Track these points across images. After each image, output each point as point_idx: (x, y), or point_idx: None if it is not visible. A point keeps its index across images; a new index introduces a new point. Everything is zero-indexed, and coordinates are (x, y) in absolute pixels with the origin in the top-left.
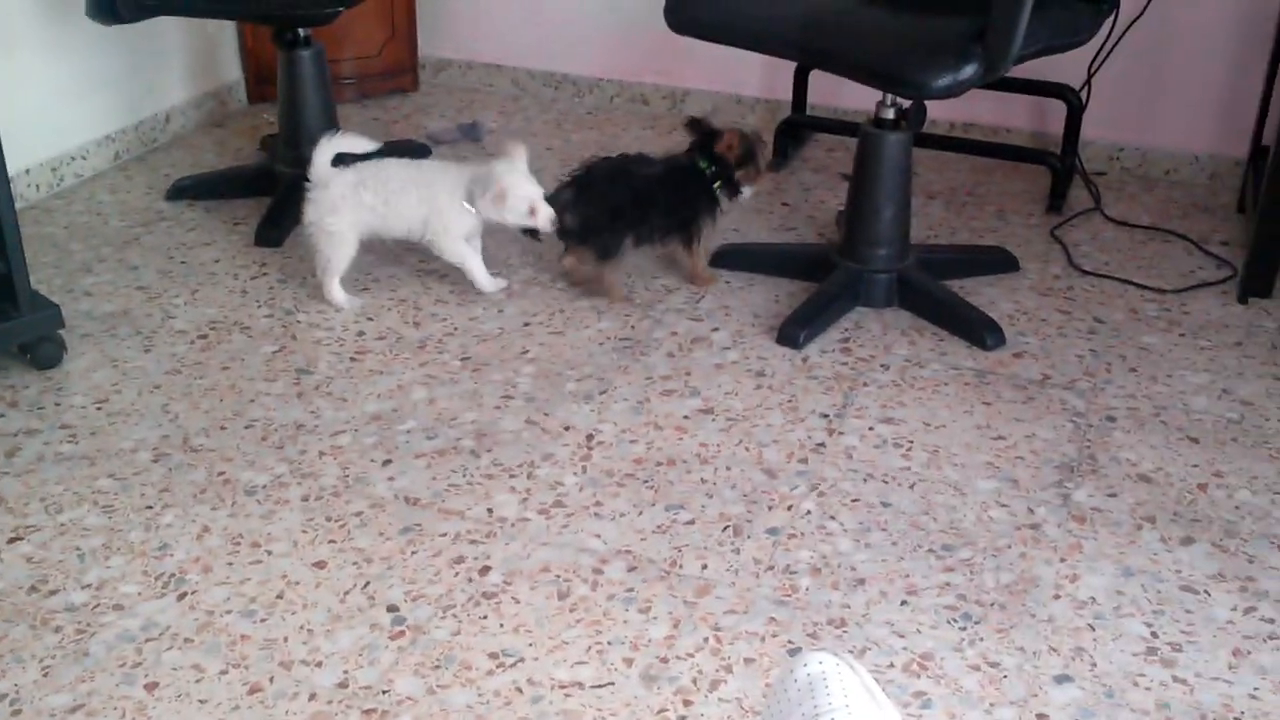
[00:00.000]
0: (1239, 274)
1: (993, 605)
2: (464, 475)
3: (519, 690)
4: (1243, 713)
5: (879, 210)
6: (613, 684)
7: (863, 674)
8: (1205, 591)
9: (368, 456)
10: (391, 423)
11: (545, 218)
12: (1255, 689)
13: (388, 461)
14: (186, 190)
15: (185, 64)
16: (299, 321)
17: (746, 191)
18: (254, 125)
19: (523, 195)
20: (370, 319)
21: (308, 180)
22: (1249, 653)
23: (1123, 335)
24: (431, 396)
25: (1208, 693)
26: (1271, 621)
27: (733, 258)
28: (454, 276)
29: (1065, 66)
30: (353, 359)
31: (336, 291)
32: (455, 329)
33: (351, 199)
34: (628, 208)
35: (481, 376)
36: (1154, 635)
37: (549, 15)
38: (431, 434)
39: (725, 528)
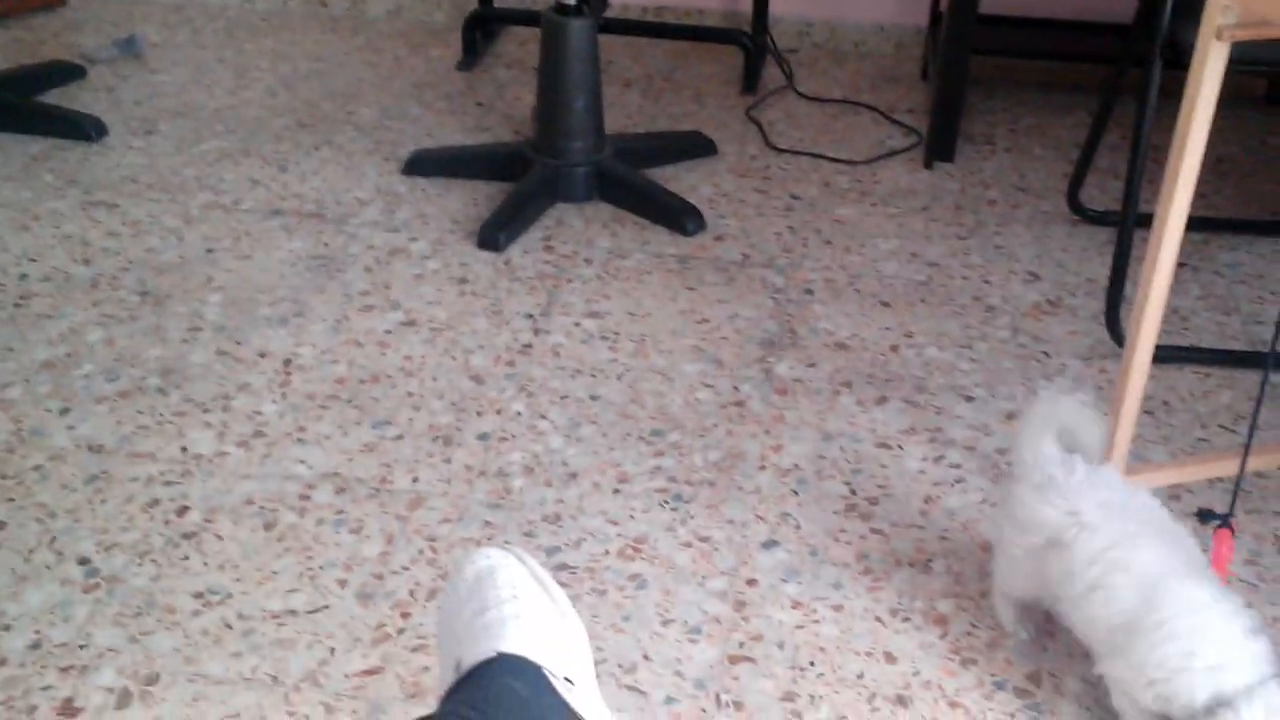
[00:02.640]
0: (923, 141)
1: (702, 483)
2: (152, 415)
3: (228, 626)
4: (934, 554)
5: (570, 102)
6: (328, 607)
7: (532, 564)
8: (899, 446)
9: (42, 406)
10: (67, 369)
11: None
12: (945, 530)
13: (65, 410)
14: None
15: None
16: None
17: None
18: None
19: None
20: (33, 259)
21: None
22: (938, 498)
23: (818, 209)
24: (109, 336)
25: (902, 540)
26: (958, 467)
27: (426, 163)
28: (124, 207)
29: None
30: (16, 305)
31: None
32: (130, 262)
33: None
34: None
35: (164, 310)
36: (853, 493)
37: None
38: (112, 376)
39: (435, 439)
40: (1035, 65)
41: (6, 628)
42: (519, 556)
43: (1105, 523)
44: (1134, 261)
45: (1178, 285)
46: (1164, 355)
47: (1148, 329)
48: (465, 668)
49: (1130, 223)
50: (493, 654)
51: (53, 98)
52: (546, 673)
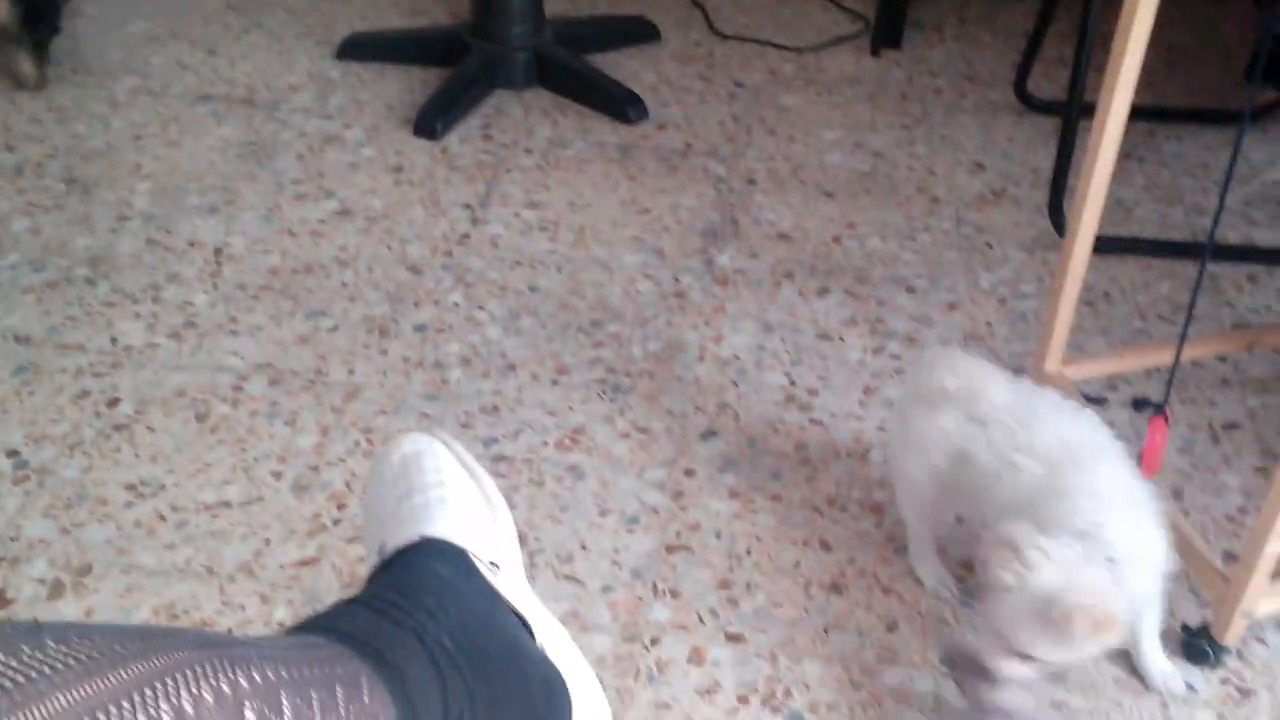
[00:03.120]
0: (870, 27)
1: (641, 375)
2: (81, 306)
3: (161, 518)
4: (872, 444)
5: None
6: (262, 499)
7: (458, 450)
8: (840, 337)
9: None
10: None
11: None
12: (883, 420)
13: None
14: None
15: None
16: None
17: None
18: None
19: None
20: None
21: None
22: (877, 389)
23: (762, 97)
24: (35, 226)
25: (841, 430)
26: (898, 357)
27: (361, 48)
28: (49, 90)
29: None
30: None
31: None
32: (55, 150)
33: None
34: None
35: (91, 198)
36: (792, 384)
37: None
38: (39, 266)
39: (371, 330)
40: None
41: None
42: (445, 442)
43: (1006, 415)
44: (1079, 151)
45: (1122, 176)
46: (1105, 246)
47: (1089, 219)
48: (389, 551)
49: (1075, 112)
50: (416, 538)
51: None
52: (471, 557)
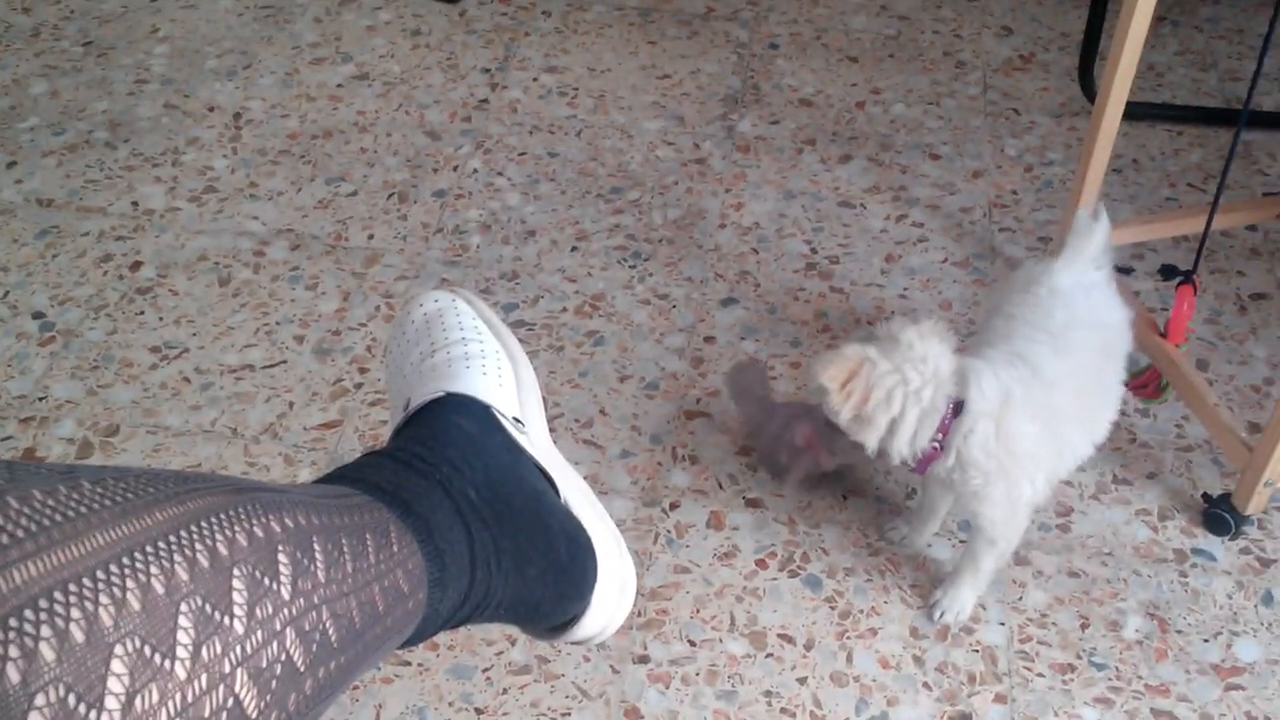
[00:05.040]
0: None
1: (661, 241)
2: (101, 169)
3: (186, 380)
4: (893, 311)
5: None
6: (285, 362)
7: (481, 306)
8: (861, 205)
9: None
10: (11, 121)
11: None
12: (905, 289)
13: (12, 164)
14: None
15: None
16: None
17: None
18: None
19: None
20: None
21: None
22: (900, 257)
23: None
24: (54, 88)
25: (861, 298)
26: (921, 225)
27: None
28: None
29: None
30: None
31: None
32: (72, 11)
33: None
34: None
35: (109, 61)
36: (813, 251)
37: None
38: (59, 129)
39: (390, 195)
40: None
41: None
42: (468, 299)
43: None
44: (1111, 15)
45: (1155, 40)
46: (1136, 112)
47: (1120, 84)
48: (414, 407)
49: None
50: (440, 393)
51: None
52: (495, 412)
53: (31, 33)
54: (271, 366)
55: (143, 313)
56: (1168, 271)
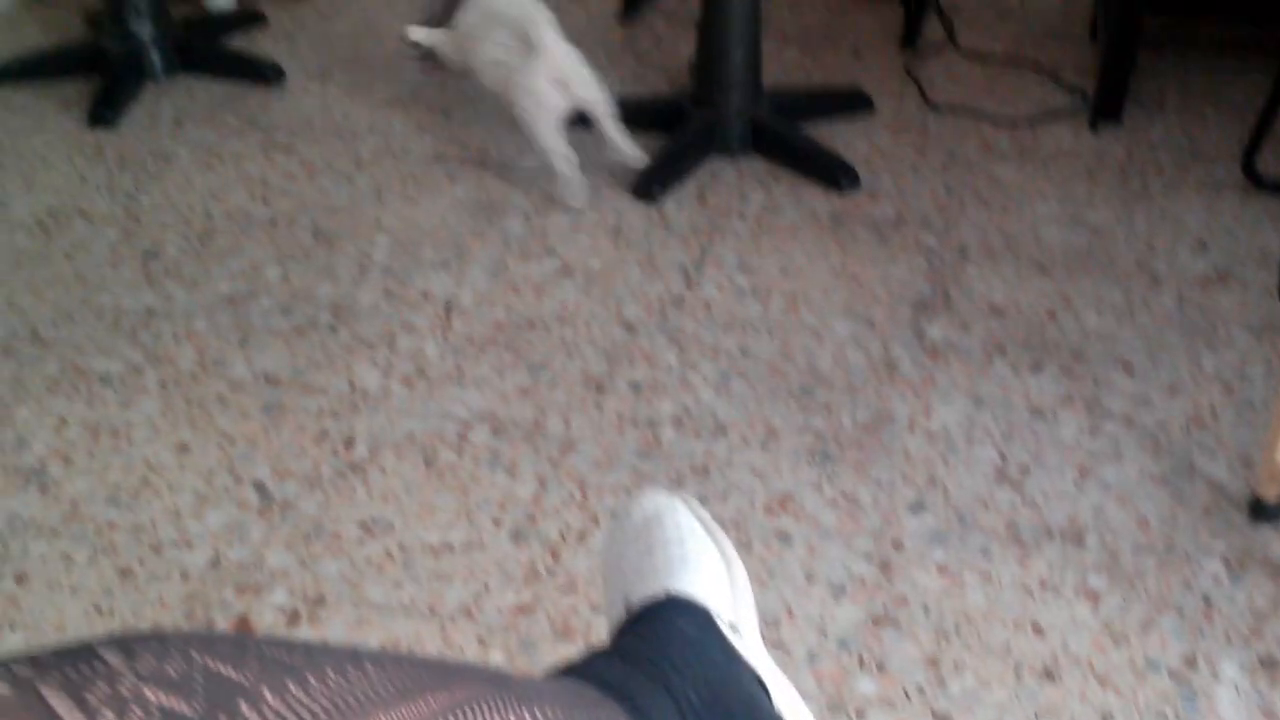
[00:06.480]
0: (1089, 101)
1: (850, 443)
2: (323, 350)
3: (390, 556)
4: (1087, 527)
5: (728, 52)
6: (482, 544)
7: (698, 509)
8: (1053, 414)
9: (223, 338)
10: (245, 302)
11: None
12: (1099, 504)
13: (244, 342)
14: (9, 73)
15: None
16: (142, 204)
17: None
18: (79, 0)
19: None
20: (216, 198)
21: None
22: (1093, 470)
23: (975, 169)
24: (285, 273)
25: (1055, 511)
26: (1115, 439)
27: (584, 114)
28: (300, 149)
29: None
30: (201, 240)
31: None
32: (305, 204)
33: None
34: None
35: (335, 250)
36: (1004, 460)
37: None
38: (287, 311)
39: (588, 385)
40: (1209, 24)
41: (189, 544)
42: (686, 500)
43: None
44: None
45: None
46: None
47: None
48: (635, 605)
49: None
50: (661, 594)
51: (235, 43)
52: (715, 616)
53: (270, 222)
54: (470, 547)
55: (354, 489)
56: None
